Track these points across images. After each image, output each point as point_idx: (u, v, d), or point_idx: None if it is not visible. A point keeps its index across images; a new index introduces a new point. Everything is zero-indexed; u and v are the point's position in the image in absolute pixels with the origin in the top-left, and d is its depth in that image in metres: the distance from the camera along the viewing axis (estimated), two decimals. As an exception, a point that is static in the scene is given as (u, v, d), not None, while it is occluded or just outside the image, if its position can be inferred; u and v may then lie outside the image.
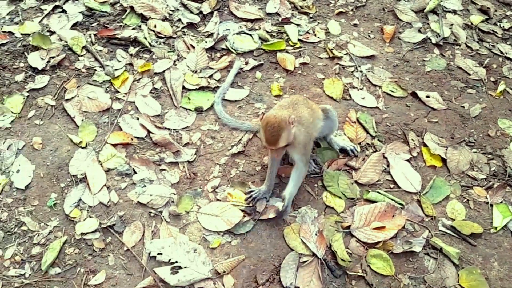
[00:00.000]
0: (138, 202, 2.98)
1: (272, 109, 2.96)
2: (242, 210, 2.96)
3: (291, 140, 2.69)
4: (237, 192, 3.06)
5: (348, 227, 2.96)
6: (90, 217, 2.89)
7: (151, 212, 2.95)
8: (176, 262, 2.72)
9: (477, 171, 3.38)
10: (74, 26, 3.96)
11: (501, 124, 3.70)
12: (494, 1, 4.79)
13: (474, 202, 3.20)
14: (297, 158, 2.89)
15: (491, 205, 3.19)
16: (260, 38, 4.06)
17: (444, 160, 3.39)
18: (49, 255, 2.71)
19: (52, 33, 3.89)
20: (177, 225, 2.91)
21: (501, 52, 4.28)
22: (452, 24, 4.44)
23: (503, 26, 4.53)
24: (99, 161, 3.15)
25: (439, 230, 3.03)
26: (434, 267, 2.86)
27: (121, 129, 3.34)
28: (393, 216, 3.02)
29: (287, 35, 4.10)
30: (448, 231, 3.02)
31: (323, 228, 2.94)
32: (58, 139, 3.26)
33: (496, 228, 3.07)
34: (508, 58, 4.24)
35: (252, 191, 3.03)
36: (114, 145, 3.25)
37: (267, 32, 4.12)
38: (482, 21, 4.53)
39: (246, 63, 3.85)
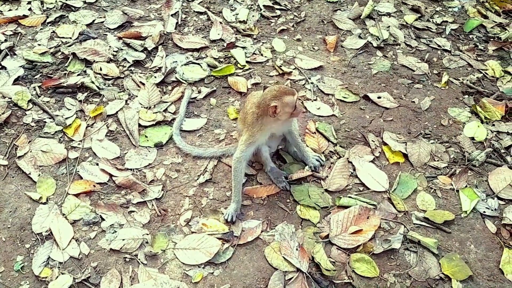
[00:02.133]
0: (111, 249, 2.87)
1: (249, 104, 3.02)
2: (219, 238, 2.91)
3: None
4: (212, 221, 3.01)
5: (327, 236, 2.97)
6: (62, 273, 2.75)
7: (126, 257, 2.85)
8: (160, 304, 2.63)
9: (438, 160, 3.49)
10: (16, 81, 3.83)
11: (452, 112, 3.85)
12: (423, -1, 5.06)
13: (441, 191, 3.29)
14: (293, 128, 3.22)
15: (457, 191, 3.29)
16: (208, 65, 4.07)
17: (405, 155, 3.48)
18: (24, 322, 2.55)
19: (-6, 91, 3.76)
20: (155, 265, 2.82)
21: (438, 46, 4.49)
22: (389, 26, 4.63)
23: (436, 21, 4.77)
24: (63, 214, 3.02)
25: (414, 224, 3.09)
26: (416, 261, 2.90)
27: (81, 178, 3.23)
28: (367, 217, 3.05)
29: (235, 59, 4.15)
30: (423, 223, 3.09)
31: (303, 241, 2.93)
32: (16, 199, 3.11)
33: (466, 212, 3.16)
34: (445, 50, 4.45)
35: (225, 217, 3.00)
36: (77, 195, 3.13)
37: (214, 58, 4.14)
38: (416, 20, 4.76)
39: (199, 92, 3.85)
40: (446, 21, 4.79)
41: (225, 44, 4.30)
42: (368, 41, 4.43)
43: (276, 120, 2.86)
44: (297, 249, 2.87)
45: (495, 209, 3.19)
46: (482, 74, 4.23)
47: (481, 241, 3.02)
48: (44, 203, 3.08)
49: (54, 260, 2.81)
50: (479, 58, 4.42)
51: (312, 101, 3.84)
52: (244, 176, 3.12)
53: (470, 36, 4.67)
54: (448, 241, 3.01)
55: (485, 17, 4.90)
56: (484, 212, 3.17)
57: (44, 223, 2.97)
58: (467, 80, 4.16)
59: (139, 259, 2.83)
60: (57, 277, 2.73)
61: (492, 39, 4.63)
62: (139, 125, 3.57)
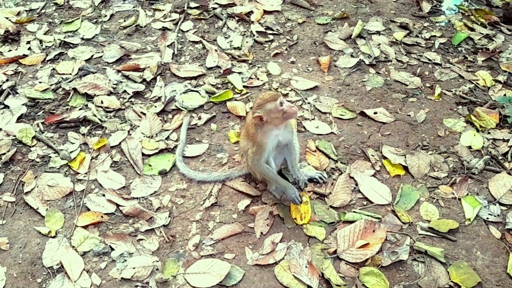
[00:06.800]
0: (122, 278, 2.89)
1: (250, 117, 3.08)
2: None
3: None
4: None
5: (335, 252, 3.00)
6: (75, 306, 2.77)
7: (137, 285, 2.87)
8: (175, 329, 2.64)
9: (438, 171, 3.55)
10: (19, 119, 3.91)
11: (447, 123, 3.94)
12: (410, 16, 5.20)
13: (444, 200, 3.34)
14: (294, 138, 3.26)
15: (459, 199, 3.34)
16: (207, 92, 4.17)
17: (406, 168, 3.55)
18: None
19: (-2, 130, 3.83)
20: (167, 292, 2.84)
21: (429, 60, 4.62)
22: (379, 44, 4.76)
23: (424, 37, 4.91)
24: (73, 247, 3.05)
25: (419, 234, 3.13)
26: (424, 271, 2.93)
27: (88, 209, 3.27)
28: (373, 231, 3.09)
29: (232, 84, 4.25)
30: (428, 233, 3.13)
31: (311, 258, 2.96)
32: (25, 234, 3.14)
33: (469, 219, 3.21)
34: (436, 64, 4.57)
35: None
36: (85, 227, 3.17)
37: (212, 85, 4.24)
38: (405, 36, 4.90)
39: (199, 118, 3.93)
40: (435, 36, 4.93)
41: (221, 71, 4.41)
42: (360, 59, 4.55)
43: (271, 125, 2.96)
44: (306, 267, 2.90)
45: (498, 215, 3.24)
46: (473, 85, 4.34)
47: (487, 247, 3.06)
48: (54, 237, 3.11)
49: (67, 293, 2.83)
50: (469, 69, 4.54)
51: (310, 120, 3.92)
52: (274, 167, 3.20)
53: (459, 48, 4.80)
54: (455, 249, 3.05)
55: (472, 29, 5.05)
56: (487, 218, 3.22)
57: (55, 256, 3.00)
58: (460, 91, 4.26)
59: (151, 286, 2.85)
60: (70, 309, 2.75)
61: (480, 50, 4.76)
62: (143, 154, 3.64)
